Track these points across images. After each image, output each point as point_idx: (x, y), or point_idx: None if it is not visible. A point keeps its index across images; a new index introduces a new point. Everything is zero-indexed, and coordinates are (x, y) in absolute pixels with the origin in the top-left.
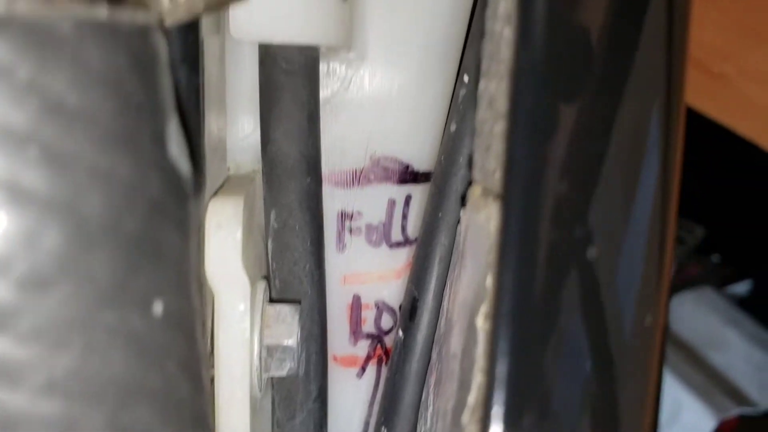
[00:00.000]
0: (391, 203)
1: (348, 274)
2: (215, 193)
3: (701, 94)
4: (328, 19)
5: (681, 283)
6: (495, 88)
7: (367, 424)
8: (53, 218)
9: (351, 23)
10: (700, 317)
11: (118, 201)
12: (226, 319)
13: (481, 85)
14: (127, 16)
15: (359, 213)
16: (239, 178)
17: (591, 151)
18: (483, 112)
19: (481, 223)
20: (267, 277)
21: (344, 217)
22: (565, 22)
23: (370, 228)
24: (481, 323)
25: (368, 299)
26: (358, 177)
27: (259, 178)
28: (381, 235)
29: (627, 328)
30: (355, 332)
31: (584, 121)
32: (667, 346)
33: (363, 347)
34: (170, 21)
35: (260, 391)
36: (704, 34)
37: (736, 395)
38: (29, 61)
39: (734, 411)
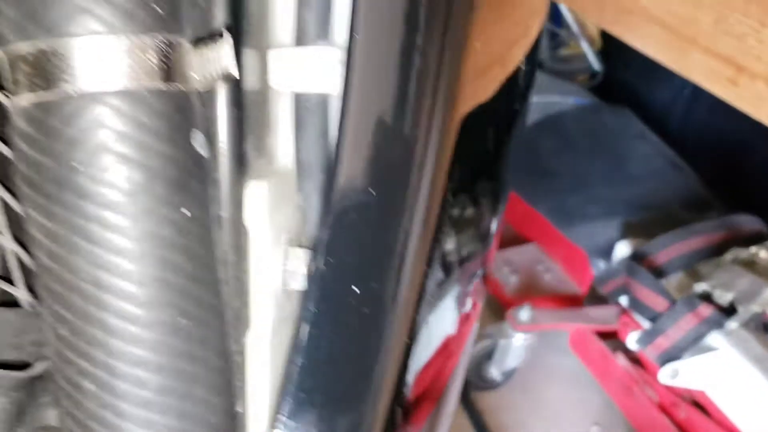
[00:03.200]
0: None
1: None
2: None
3: None
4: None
5: None
6: None
7: None
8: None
9: None
10: None
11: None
12: (254, 247)
13: None
14: (175, 87)
15: None
16: (279, 167)
17: None
18: None
19: None
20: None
21: None
22: None
23: None
24: None
25: None
26: None
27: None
28: None
29: None
30: None
31: None
32: None
33: None
34: (200, 89)
35: (280, 294)
36: None
37: None
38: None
39: None
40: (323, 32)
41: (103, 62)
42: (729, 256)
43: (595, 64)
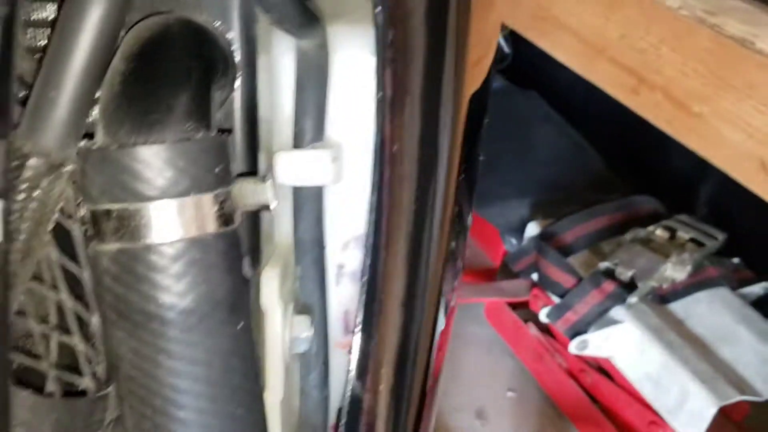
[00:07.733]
0: None
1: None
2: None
3: (683, 130)
4: None
5: (699, 283)
6: None
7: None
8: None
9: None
10: (714, 314)
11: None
12: (270, 324)
13: None
14: (230, 228)
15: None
16: (281, 249)
17: None
18: None
19: None
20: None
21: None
22: None
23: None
24: None
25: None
26: None
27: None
28: None
29: None
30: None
31: None
32: (681, 341)
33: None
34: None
35: (288, 359)
36: (686, 80)
37: (740, 385)
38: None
39: (735, 399)
40: (318, 135)
41: (175, 219)
42: (629, 235)
43: (504, 46)
